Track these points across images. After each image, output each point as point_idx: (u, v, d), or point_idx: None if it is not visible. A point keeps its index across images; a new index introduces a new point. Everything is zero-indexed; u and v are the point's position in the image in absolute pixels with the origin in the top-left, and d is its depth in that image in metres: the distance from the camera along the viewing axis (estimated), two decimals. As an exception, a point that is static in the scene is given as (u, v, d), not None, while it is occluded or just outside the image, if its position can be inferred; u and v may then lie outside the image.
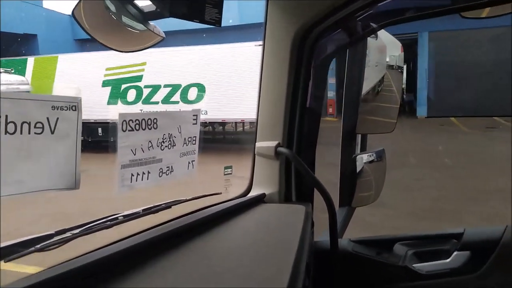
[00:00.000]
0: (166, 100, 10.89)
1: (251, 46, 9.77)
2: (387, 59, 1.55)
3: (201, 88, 10.69)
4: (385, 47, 1.53)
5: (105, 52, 9.24)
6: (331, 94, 15.91)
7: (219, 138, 11.87)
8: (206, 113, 10.05)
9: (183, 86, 10.77)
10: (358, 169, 1.51)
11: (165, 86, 10.93)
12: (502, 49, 14.61)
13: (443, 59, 16.53)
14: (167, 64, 10.74)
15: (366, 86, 1.50)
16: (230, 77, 10.27)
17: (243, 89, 9.90)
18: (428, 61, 16.63)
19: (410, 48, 16.68)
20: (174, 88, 10.85)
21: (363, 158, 1.55)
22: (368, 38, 1.46)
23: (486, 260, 1.37)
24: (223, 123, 11.34)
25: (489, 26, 13.66)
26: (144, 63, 10.89)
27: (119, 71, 11.22)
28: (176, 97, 10.79)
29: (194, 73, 10.63)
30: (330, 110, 16.06)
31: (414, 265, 1.40)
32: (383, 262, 1.40)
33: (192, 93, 10.71)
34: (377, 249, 1.43)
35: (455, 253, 1.40)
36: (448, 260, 1.40)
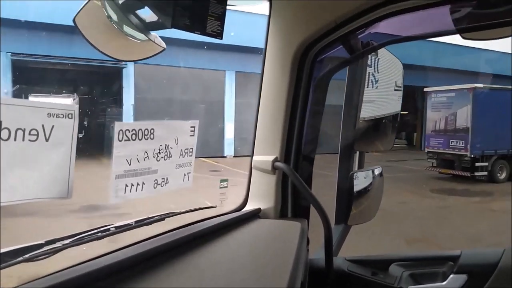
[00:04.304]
0: None
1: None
2: (394, 80, 1.56)
3: None
4: (392, 67, 1.54)
5: None
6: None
7: None
8: None
9: None
10: (355, 187, 1.50)
11: None
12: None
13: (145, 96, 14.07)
14: None
15: (370, 107, 1.49)
16: None
17: None
18: (134, 96, 14.05)
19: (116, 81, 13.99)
20: None
21: (360, 176, 1.53)
22: (376, 58, 1.46)
23: (483, 284, 1.34)
24: None
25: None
26: None
27: None
28: None
29: None
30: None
31: (409, 287, 1.37)
32: (378, 282, 1.37)
33: None
34: (372, 269, 1.41)
35: (451, 276, 1.38)
36: (444, 283, 1.37)
